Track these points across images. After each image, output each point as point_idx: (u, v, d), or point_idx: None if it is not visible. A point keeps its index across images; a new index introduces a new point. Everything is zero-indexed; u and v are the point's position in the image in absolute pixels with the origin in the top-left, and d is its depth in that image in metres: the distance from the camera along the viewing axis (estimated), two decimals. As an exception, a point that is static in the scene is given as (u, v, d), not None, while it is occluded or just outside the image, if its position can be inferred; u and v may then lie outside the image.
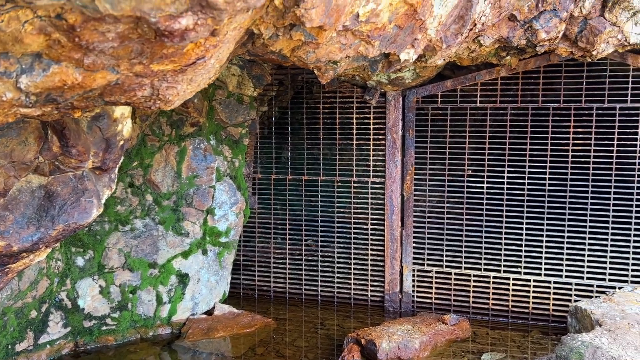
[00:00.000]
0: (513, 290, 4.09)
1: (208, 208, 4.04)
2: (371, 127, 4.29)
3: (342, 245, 4.48)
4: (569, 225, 3.93)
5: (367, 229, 4.39)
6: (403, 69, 3.49)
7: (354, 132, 4.34)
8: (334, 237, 4.47)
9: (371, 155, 4.31)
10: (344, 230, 4.45)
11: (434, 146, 4.20)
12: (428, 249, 4.26)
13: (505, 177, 4.03)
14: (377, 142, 4.29)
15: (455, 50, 2.99)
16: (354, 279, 4.46)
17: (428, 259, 4.27)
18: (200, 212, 4.02)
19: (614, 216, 3.84)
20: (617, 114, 3.76)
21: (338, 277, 4.50)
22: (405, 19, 2.14)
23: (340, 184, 4.43)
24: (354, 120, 4.33)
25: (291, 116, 4.52)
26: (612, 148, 3.79)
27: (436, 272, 4.26)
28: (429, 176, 4.21)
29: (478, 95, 4.03)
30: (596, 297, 3.59)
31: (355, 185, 4.39)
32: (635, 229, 3.79)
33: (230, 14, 1.29)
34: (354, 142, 4.35)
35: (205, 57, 1.50)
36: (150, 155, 3.85)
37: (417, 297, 4.31)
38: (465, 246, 4.17)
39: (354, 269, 4.45)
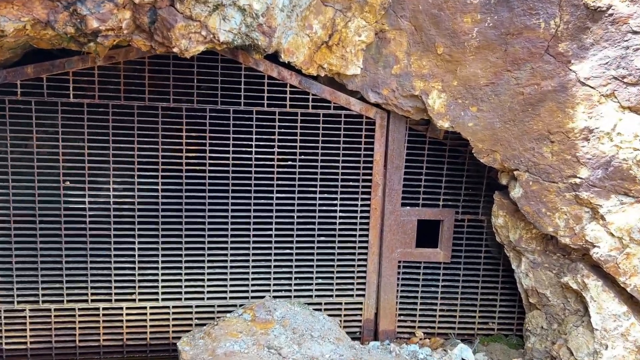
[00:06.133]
0: (127, 321, 3.47)
1: None
2: None
3: None
4: (186, 242, 3.47)
5: None
6: None
7: None
8: None
9: None
10: None
11: (18, 148, 3.22)
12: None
13: (111, 187, 3.32)
14: None
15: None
16: None
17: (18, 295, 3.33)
18: None
19: (232, 227, 3.51)
20: (232, 117, 3.38)
21: None
22: None
23: None
24: None
25: None
26: (228, 155, 3.42)
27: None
28: (12, 184, 3.23)
29: (71, 89, 3.19)
30: (203, 327, 3.20)
31: None
32: (255, 240, 3.54)
33: None
34: None
35: None
36: None
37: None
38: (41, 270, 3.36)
39: None
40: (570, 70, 2.90)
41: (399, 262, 3.69)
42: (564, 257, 3.18)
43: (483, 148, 3.16)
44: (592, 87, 2.87)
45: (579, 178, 2.94)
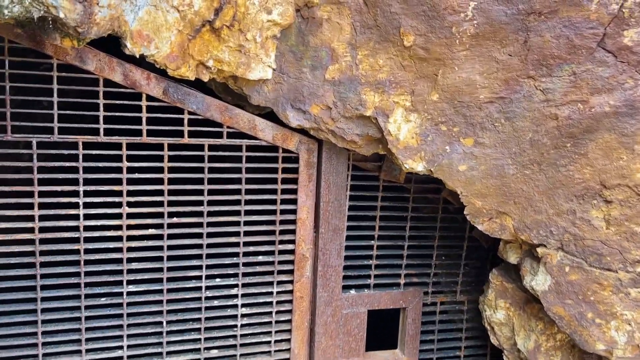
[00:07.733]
0: None
1: None
2: None
3: None
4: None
5: None
6: None
7: None
8: None
9: None
10: None
11: None
12: None
13: None
14: None
15: None
16: None
17: None
18: None
19: (46, 353, 1.96)
20: (37, 156, 1.84)
21: None
22: None
23: None
24: None
25: None
26: (32, 225, 1.87)
27: None
28: None
29: None
30: None
31: None
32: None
33: None
34: None
35: None
36: None
37: None
38: None
39: None
40: (645, 77, 1.69)
41: (340, 378, 2.33)
42: (609, 381, 1.97)
43: (484, 208, 1.87)
44: (682, 109, 1.69)
45: (656, 265, 1.74)
